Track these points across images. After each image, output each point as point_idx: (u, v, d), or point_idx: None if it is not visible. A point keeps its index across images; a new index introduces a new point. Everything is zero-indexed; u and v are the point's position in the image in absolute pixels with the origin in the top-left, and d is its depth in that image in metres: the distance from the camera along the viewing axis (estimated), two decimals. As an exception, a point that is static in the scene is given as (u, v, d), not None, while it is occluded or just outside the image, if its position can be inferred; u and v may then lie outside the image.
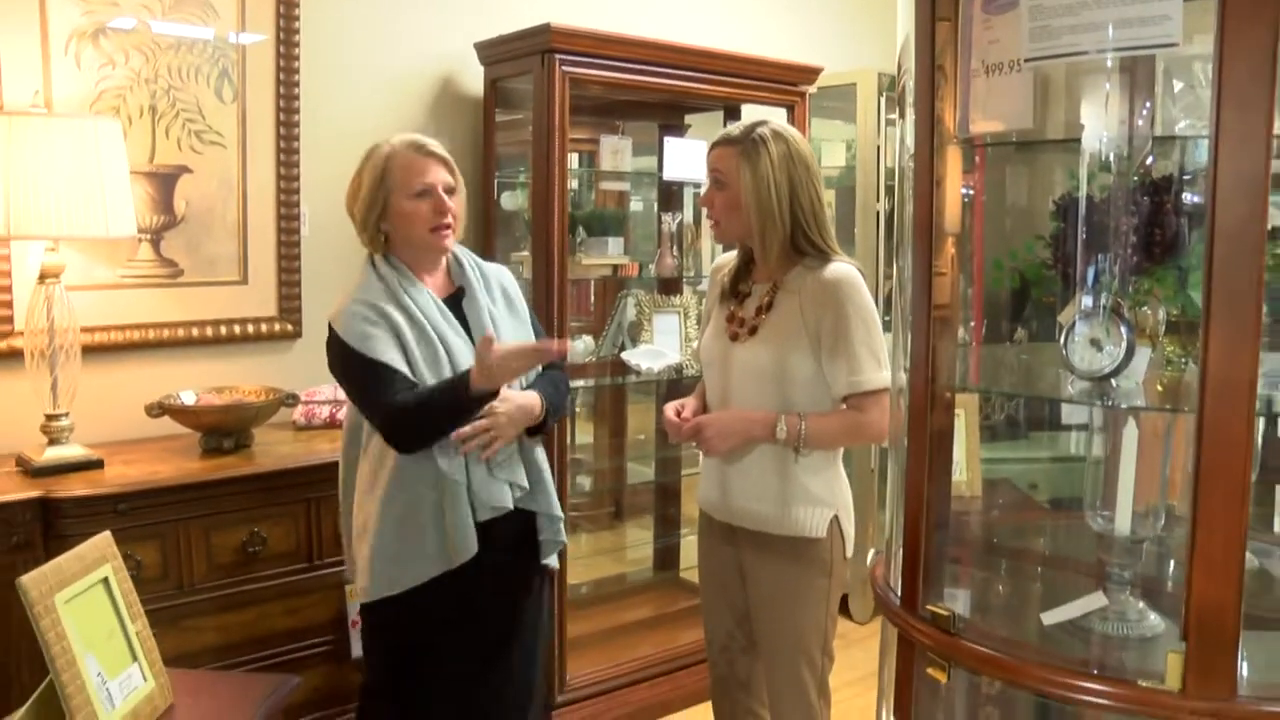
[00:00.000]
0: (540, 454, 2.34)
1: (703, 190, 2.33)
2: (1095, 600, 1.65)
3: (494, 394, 2.13)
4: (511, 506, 2.25)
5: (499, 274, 2.41)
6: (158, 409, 2.71)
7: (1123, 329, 1.53)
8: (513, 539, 2.29)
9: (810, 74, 3.67)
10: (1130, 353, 1.53)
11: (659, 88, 3.33)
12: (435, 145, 2.25)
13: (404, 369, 2.13)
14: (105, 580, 1.87)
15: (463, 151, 3.47)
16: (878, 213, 4.20)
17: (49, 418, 2.54)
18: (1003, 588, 1.96)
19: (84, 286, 2.71)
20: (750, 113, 3.69)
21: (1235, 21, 1.30)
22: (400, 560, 2.16)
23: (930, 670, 1.65)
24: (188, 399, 2.80)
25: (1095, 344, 1.55)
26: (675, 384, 3.75)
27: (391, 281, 2.20)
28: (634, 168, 3.79)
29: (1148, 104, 1.56)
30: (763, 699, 2.44)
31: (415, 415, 2.11)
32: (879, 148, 4.16)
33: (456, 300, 2.29)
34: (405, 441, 2.14)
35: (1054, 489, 2.24)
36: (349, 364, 2.15)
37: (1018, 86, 1.49)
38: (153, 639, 1.94)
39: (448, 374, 2.17)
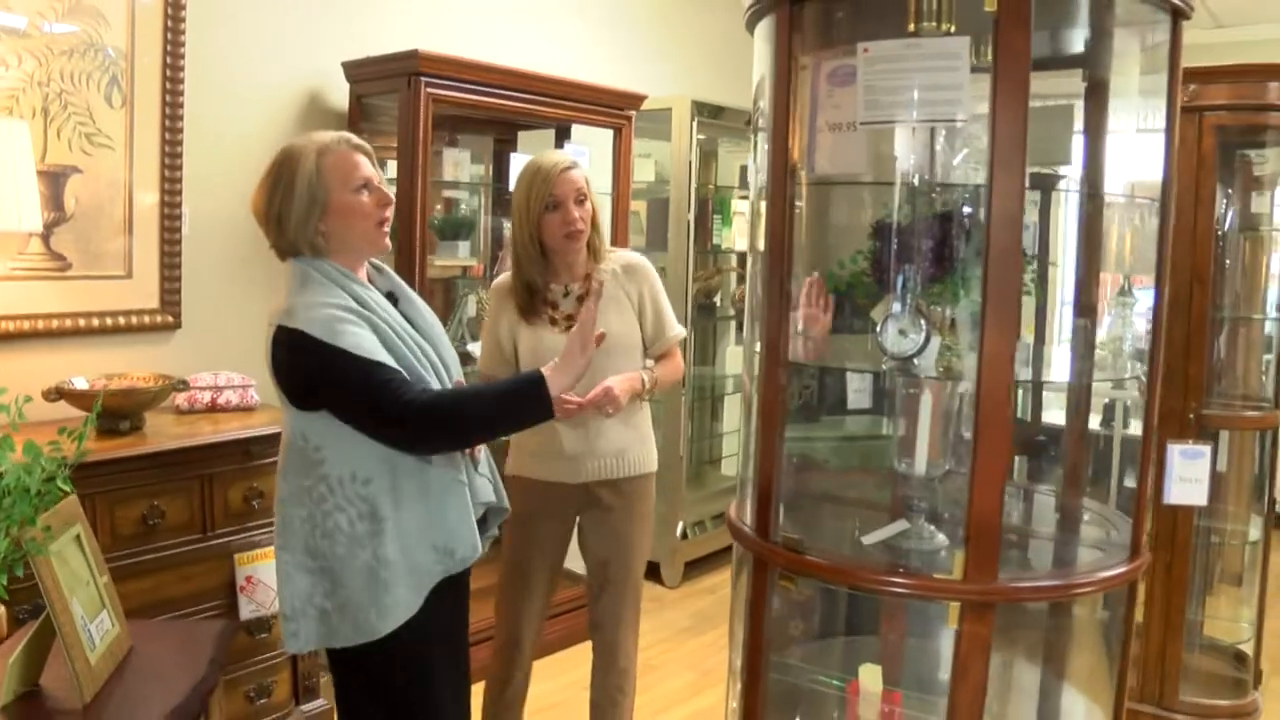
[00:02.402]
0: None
1: (565, 208, 2.60)
2: (899, 525, 2.20)
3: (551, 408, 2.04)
4: (495, 499, 2.25)
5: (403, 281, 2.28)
6: (55, 393, 2.88)
7: (922, 322, 2.08)
8: None
9: (637, 100, 4.16)
10: (928, 340, 2.08)
11: (510, 109, 3.73)
12: (360, 139, 2.12)
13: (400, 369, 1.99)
14: (78, 537, 2.12)
15: (328, 160, 3.75)
16: (688, 222, 4.76)
17: (-48, 403, 2.69)
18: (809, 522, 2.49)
19: (-27, 277, 2.86)
20: (581, 133, 4.16)
21: (1004, 108, 1.87)
22: (411, 580, 2.04)
23: (782, 582, 2.16)
24: (80, 385, 2.98)
25: (903, 333, 2.09)
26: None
27: (343, 283, 2.03)
28: (469, 176, 4.18)
29: (939, 152, 2.12)
30: None
31: (462, 413, 1.99)
32: (690, 164, 4.71)
33: (393, 305, 2.16)
34: (435, 443, 2.02)
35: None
36: (345, 369, 1.93)
37: (854, 143, 2.02)
38: (115, 590, 2.20)
39: (433, 378, 2.07)
